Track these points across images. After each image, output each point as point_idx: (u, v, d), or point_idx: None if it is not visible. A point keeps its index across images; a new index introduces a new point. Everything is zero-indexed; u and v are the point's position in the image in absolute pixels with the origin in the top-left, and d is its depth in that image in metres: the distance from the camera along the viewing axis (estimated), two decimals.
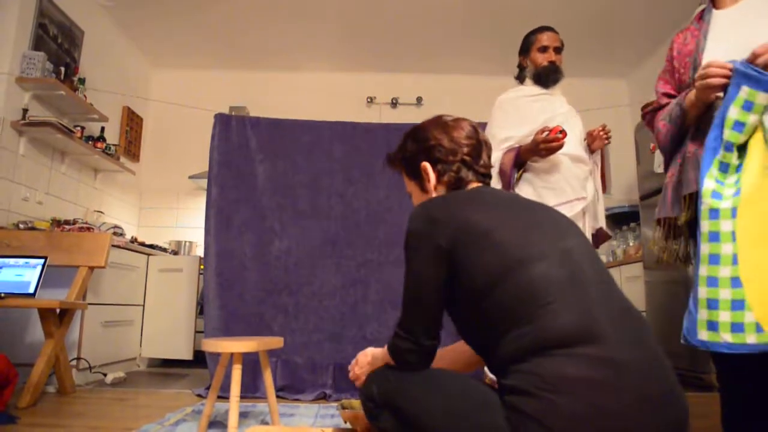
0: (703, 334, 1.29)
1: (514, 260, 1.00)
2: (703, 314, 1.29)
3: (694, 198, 1.48)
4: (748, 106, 1.31)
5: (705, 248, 1.31)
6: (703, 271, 1.31)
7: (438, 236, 1.07)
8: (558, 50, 2.37)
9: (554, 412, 0.89)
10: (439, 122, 1.32)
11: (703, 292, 1.30)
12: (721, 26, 1.57)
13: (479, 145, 1.29)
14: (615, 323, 0.95)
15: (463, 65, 5.15)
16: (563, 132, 2.14)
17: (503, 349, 0.99)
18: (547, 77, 2.36)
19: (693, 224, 1.53)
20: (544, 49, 2.37)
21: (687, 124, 1.57)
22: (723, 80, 1.38)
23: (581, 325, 0.93)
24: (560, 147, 2.15)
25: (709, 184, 1.35)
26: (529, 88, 2.40)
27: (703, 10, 1.67)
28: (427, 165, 1.28)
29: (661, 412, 0.90)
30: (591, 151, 2.40)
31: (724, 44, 1.51)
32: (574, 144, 2.28)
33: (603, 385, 0.89)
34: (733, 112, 1.33)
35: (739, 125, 1.32)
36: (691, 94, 1.52)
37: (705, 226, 1.33)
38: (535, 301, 0.96)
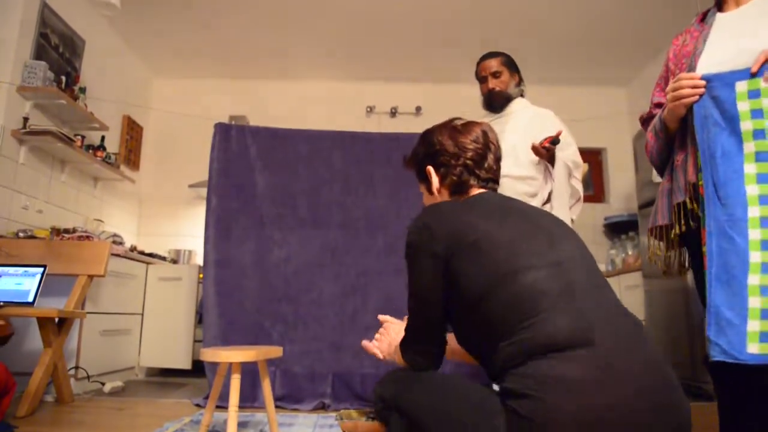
0: (754, 347, 1.21)
1: (500, 272, 1.03)
2: (755, 325, 1.22)
3: (682, 207, 1.47)
4: (755, 94, 1.31)
5: (756, 257, 1.25)
6: (755, 280, 1.24)
7: (434, 244, 1.10)
8: (496, 75, 2.39)
9: (546, 411, 0.90)
10: (447, 126, 1.35)
11: (756, 301, 1.23)
12: (722, 30, 1.53)
13: (485, 150, 1.31)
14: (609, 329, 0.96)
15: (463, 74, 5.14)
16: None
17: (498, 356, 1.00)
18: (491, 105, 2.43)
19: (685, 236, 1.50)
20: (483, 79, 2.45)
21: (669, 136, 1.56)
22: (693, 92, 1.39)
23: (574, 330, 0.94)
24: None
25: (752, 189, 1.27)
26: (486, 114, 2.46)
27: (705, 12, 1.63)
28: (430, 168, 1.33)
29: (658, 413, 0.91)
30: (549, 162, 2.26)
31: (720, 50, 1.49)
32: (519, 163, 2.26)
33: (596, 384, 0.90)
34: (744, 106, 1.32)
35: (757, 113, 1.31)
36: (665, 110, 1.52)
37: (756, 234, 1.26)
38: (527, 311, 0.98)
